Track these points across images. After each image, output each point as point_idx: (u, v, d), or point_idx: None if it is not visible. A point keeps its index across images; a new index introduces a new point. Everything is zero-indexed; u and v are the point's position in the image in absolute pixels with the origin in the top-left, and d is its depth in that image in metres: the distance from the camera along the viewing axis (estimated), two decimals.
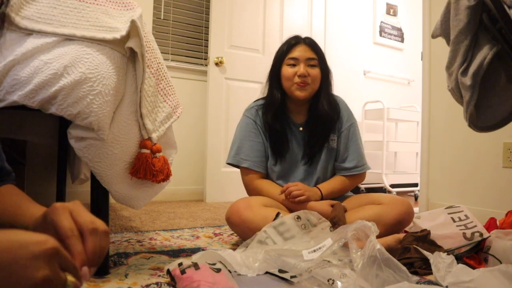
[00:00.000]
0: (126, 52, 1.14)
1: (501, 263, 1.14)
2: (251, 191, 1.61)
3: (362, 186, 3.52)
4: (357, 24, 3.86)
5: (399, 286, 0.88)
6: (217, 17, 2.92)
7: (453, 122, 2.21)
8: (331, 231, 1.21)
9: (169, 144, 1.35)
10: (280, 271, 1.00)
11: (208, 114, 2.91)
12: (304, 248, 1.13)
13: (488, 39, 0.99)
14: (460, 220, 1.36)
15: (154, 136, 1.20)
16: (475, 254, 1.25)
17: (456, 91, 1.07)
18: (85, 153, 1.08)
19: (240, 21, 3.02)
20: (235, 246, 1.48)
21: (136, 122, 1.15)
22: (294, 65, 1.58)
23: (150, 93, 1.18)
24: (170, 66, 2.93)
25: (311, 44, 1.62)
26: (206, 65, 2.98)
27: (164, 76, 1.28)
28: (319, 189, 1.56)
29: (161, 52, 1.37)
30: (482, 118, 1.08)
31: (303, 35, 1.65)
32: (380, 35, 4.00)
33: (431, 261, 1.07)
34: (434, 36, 1.18)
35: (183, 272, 0.91)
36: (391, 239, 1.31)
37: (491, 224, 1.47)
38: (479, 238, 1.25)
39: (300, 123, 1.66)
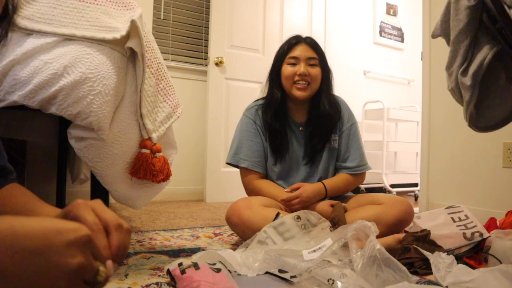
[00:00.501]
0: (126, 52, 1.14)
1: (501, 263, 1.14)
2: (251, 191, 1.61)
3: (362, 186, 3.52)
4: (357, 24, 3.86)
5: (399, 286, 0.88)
6: (217, 17, 2.92)
7: (453, 122, 2.21)
8: (331, 231, 1.21)
9: (169, 144, 1.35)
10: (280, 271, 1.00)
11: (208, 114, 2.91)
12: (304, 248, 1.13)
13: (488, 39, 0.99)
14: (460, 220, 1.36)
15: (154, 136, 1.20)
16: (475, 254, 1.25)
17: (456, 91, 1.07)
18: (85, 153, 1.08)
19: (240, 21, 3.02)
20: (235, 246, 1.48)
21: (136, 122, 1.15)
22: (294, 64, 1.58)
23: (150, 93, 1.18)
24: (170, 66, 2.93)
25: (311, 43, 1.62)
26: (206, 65, 2.99)
27: (164, 76, 1.28)
28: (323, 184, 1.56)
29: (161, 52, 1.37)
30: (482, 118, 1.08)
31: (303, 35, 1.65)
32: (380, 35, 4.00)
33: (431, 261, 1.07)
34: (434, 36, 1.18)
35: (183, 272, 0.91)
36: (391, 239, 1.31)
37: (491, 224, 1.47)
38: (479, 238, 1.25)
39: (301, 122, 1.66)
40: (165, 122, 1.28)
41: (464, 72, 1.02)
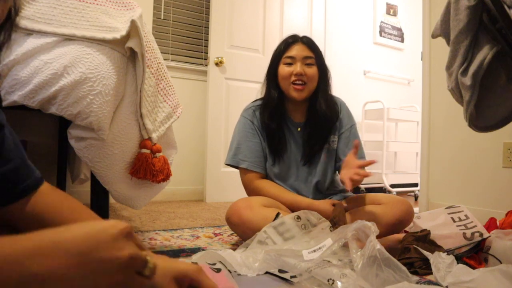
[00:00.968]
0: (126, 52, 1.14)
1: (501, 263, 1.14)
2: (251, 191, 1.61)
3: (362, 186, 3.52)
4: (357, 24, 3.86)
5: (399, 286, 0.88)
6: (217, 17, 2.92)
7: (453, 122, 2.21)
8: (331, 231, 1.21)
9: (169, 144, 1.35)
10: (280, 271, 1.00)
11: (208, 114, 2.91)
12: (304, 248, 1.13)
13: (488, 39, 0.99)
14: (460, 220, 1.36)
15: (154, 136, 1.20)
16: (475, 254, 1.25)
17: (456, 91, 1.08)
18: (85, 153, 1.08)
19: (240, 21, 3.02)
20: (235, 246, 1.48)
21: (136, 122, 1.15)
22: (291, 64, 1.57)
23: (150, 93, 1.18)
24: (170, 66, 2.93)
25: (308, 43, 1.61)
26: (206, 65, 2.99)
27: (164, 76, 1.28)
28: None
29: (161, 52, 1.37)
30: (482, 118, 1.08)
31: (301, 35, 1.65)
32: (380, 35, 4.00)
33: (431, 261, 1.07)
34: (434, 36, 1.18)
35: None
36: (391, 239, 1.31)
37: (491, 224, 1.47)
38: (479, 238, 1.25)
39: (299, 122, 1.65)
40: (165, 122, 1.28)
41: (464, 72, 1.02)
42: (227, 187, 2.88)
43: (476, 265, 1.18)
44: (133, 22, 1.10)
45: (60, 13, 1.07)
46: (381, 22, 4.02)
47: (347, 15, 3.77)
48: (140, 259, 0.40)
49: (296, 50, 1.58)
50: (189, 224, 1.95)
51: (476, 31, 1.00)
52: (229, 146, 1.71)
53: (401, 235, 1.31)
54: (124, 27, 1.11)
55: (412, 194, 3.69)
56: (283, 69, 1.58)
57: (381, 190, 3.50)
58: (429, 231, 1.28)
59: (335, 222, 1.32)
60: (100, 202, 1.18)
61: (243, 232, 1.41)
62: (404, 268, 0.96)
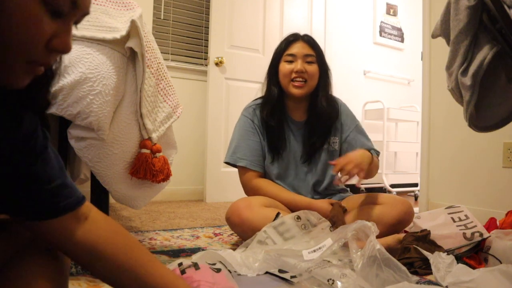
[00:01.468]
0: (126, 52, 1.14)
1: (501, 263, 1.14)
2: (249, 190, 1.61)
3: (362, 186, 3.52)
4: (357, 24, 3.86)
5: (399, 286, 0.88)
6: (217, 17, 2.92)
7: (453, 122, 2.21)
8: (331, 231, 1.21)
9: (169, 144, 1.35)
10: (280, 271, 1.00)
11: (208, 114, 2.91)
12: (304, 248, 1.13)
13: (488, 39, 0.99)
14: (460, 220, 1.36)
15: (154, 136, 1.20)
16: (475, 254, 1.25)
17: (456, 91, 1.07)
18: (85, 153, 1.08)
19: (240, 21, 3.02)
20: (235, 246, 1.48)
21: (136, 122, 1.15)
22: (291, 62, 1.58)
23: (150, 93, 1.18)
24: (170, 66, 2.93)
25: (309, 41, 1.62)
26: (206, 65, 2.98)
27: (164, 76, 1.28)
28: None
29: (161, 52, 1.37)
30: (482, 118, 1.08)
31: (302, 33, 1.65)
32: (380, 35, 4.00)
33: (431, 261, 1.07)
34: (434, 36, 1.18)
35: (183, 272, 0.91)
36: (391, 239, 1.31)
37: (491, 224, 1.47)
38: (479, 238, 1.25)
39: (300, 121, 1.65)
40: (165, 122, 1.28)
41: (464, 72, 1.02)
42: (227, 187, 2.88)
43: (476, 265, 1.18)
44: (133, 22, 1.11)
45: None
46: (381, 22, 4.01)
47: (347, 15, 3.77)
48: None
49: (297, 48, 1.59)
50: (189, 224, 1.95)
51: (476, 31, 1.00)
52: (228, 144, 1.71)
53: (401, 235, 1.31)
54: (124, 27, 1.11)
55: (412, 194, 3.69)
56: (284, 67, 1.59)
57: (381, 190, 3.50)
58: (429, 231, 1.28)
59: (334, 221, 1.32)
60: (100, 202, 1.18)
61: (243, 231, 1.41)
62: (404, 268, 0.96)
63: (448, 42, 1.09)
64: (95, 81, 1.03)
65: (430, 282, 1.06)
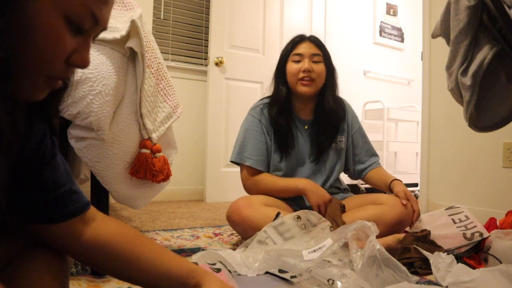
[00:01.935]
0: (126, 52, 1.14)
1: (501, 263, 1.14)
2: (250, 185, 1.61)
3: (362, 186, 3.52)
4: (357, 24, 3.86)
5: (399, 286, 0.88)
6: (217, 17, 2.92)
7: (453, 122, 2.21)
8: (331, 231, 1.21)
9: (169, 144, 1.35)
10: (280, 271, 1.00)
11: (208, 114, 2.91)
12: (304, 248, 1.13)
13: (488, 39, 0.99)
14: (461, 221, 1.36)
15: (154, 136, 1.20)
16: (475, 254, 1.25)
17: (456, 91, 1.07)
18: (85, 153, 1.08)
19: (240, 21, 3.02)
20: (235, 246, 1.48)
21: (136, 122, 1.15)
22: (299, 61, 1.59)
23: (150, 93, 1.18)
24: (170, 66, 2.93)
25: (315, 41, 1.64)
26: (206, 65, 2.98)
27: (164, 76, 1.28)
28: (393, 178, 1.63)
29: (161, 52, 1.37)
30: (482, 118, 1.08)
31: (307, 34, 1.68)
32: (380, 35, 4.00)
33: (431, 261, 1.07)
34: (434, 36, 1.18)
35: None
36: (391, 239, 1.31)
37: (491, 224, 1.47)
38: (479, 238, 1.25)
39: (307, 120, 1.66)
40: (165, 122, 1.28)
41: (464, 72, 1.02)
42: (227, 187, 2.88)
43: (476, 265, 1.18)
44: (133, 22, 1.10)
45: None
46: (381, 22, 4.01)
47: (347, 15, 3.77)
48: None
49: (304, 48, 1.60)
50: (189, 224, 1.95)
51: (476, 31, 1.00)
52: (229, 145, 1.71)
53: (401, 235, 1.31)
54: (124, 27, 1.11)
55: (412, 194, 3.68)
56: (291, 66, 1.60)
57: (381, 190, 3.49)
58: (429, 231, 1.28)
59: (331, 217, 1.33)
60: (100, 202, 1.18)
61: (243, 230, 1.41)
62: (404, 268, 0.96)
63: (448, 42, 1.09)
64: (95, 81, 1.03)
65: (430, 282, 1.06)
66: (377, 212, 1.42)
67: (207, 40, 2.99)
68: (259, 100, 1.72)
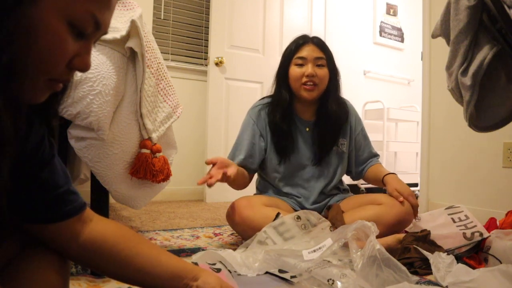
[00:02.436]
0: (126, 52, 1.14)
1: (501, 263, 1.14)
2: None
3: (362, 186, 3.52)
4: (357, 24, 3.86)
5: (399, 286, 0.88)
6: (217, 17, 2.92)
7: (453, 122, 2.21)
8: (331, 231, 1.21)
9: (169, 144, 1.35)
10: (280, 271, 1.00)
11: (208, 114, 2.91)
12: (304, 248, 1.13)
13: (488, 39, 0.99)
14: (460, 220, 1.36)
15: (154, 136, 1.20)
16: (475, 254, 1.25)
17: (456, 91, 1.07)
18: (85, 153, 1.08)
19: (240, 21, 3.02)
20: (235, 246, 1.48)
21: (136, 122, 1.15)
22: (302, 65, 1.56)
23: (150, 93, 1.18)
24: (170, 66, 2.93)
25: (319, 43, 1.61)
26: (206, 65, 2.98)
27: (164, 76, 1.28)
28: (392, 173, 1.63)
29: (161, 52, 1.37)
30: (482, 118, 1.08)
31: (311, 35, 1.64)
32: (380, 35, 4.00)
33: (431, 261, 1.07)
34: (434, 36, 1.18)
35: None
36: (391, 239, 1.31)
37: (491, 224, 1.47)
38: (479, 238, 1.25)
39: (308, 121, 1.65)
40: (165, 122, 1.28)
41: (464, 72, 1.02)
42: (227, 187, 2.86)
43: (476, 265, 1.18)
44: (133, 22, 1.10)
45: None
46: (381, 22, 4.01)
47: (347, 15, 3.77)
48: None
49: (307, 51, 1.57)
50: (189, 224, 1.95)
51: (476, 31, 1.00)
52: (229, 145, 1.72)
53: (401, 235, 1.31)
54: (124, 27, 1.11)
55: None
56: (294, 70, 1.57)
57: (381, 190, 3.49)
58: (429, 231, 1.28)
59: (333, 222, 1.32)
60: (100, 202, 1.18)
61: (243, 230, 1.41)
62: (404, 268, 0.96)
63: (448, 42, 1.09)
64: (95, 81, 1.03)
65: (430, 282, 1.06)
66: (377, 212, 1.42)
67: (207, 40, 2.99)
68: (259, 100, 1.71)
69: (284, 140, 1.60)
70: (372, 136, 3.82)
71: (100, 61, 1.06)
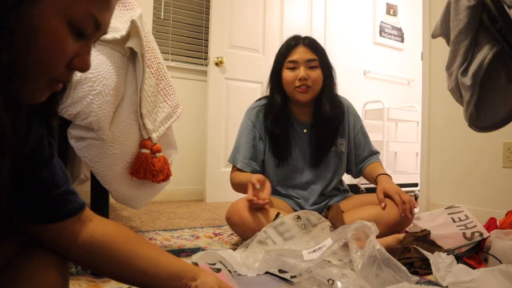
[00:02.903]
0: (126, 52, 1.14)
1: (501, 263, 1.14)
2: (232, 185, 1.62)
3: (362, 186, 3.52)
4: (357, 24, 3.86)
5: (399, 286, 0.88)
6: (217, 17, 2.92)
7: (453, 122, 2.21)
8: (331, 231, 1.21)
9: (169, 144, 1.35)
10: (280, 271, 1.00)
11: (208, 114, 2.91)
12: (304, 248, 1.13)
13: (488, 39, 0.99)
14: (460, 220, 1.36)
15: (154, 136, 1.20)
16: (475, 254, 1.25)
17: (456, 91, 1.07)
18: (85, 153, 1.08)
19: (240, 21, 3.02)
20: (235, 246, 1.48)
21: (136, 122, 1.15)
22: (294, 68, 1.55)
23: (150, 93, 1.18)
24: (170, 66, 2.93)
25: (310, 44, 1.58)
26: (206, 65, 2.98)
27: (164, 76, 1.28)
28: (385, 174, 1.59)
29: (161, 52, 1.37)
30: (482, 118, 1.08)
31: (303, 35, 1.62)
32: (380, 35, 4.00)
33: (431, 261, 1.07)
34: (434, 36, 1.18)
35: None
36: (391, 239, 1.31)
37: (491, 224, 1.47)
38: (479, 238, 1.25)
39: (306, 122, 1.64)
40: (165, 122, 1.28)
41: (464, 72, 1.02)
42: (227, 187, 2.85)
43: (476, 265, 1.18)
44: (133, 22, 1.10)
45: None
46: (381, 22, 4.01)
47: (347, 15, 3.77)
48: None
49: (299, 54, 1.55)
50: (189, 224, 1.95)
51: (476, 31, 1.00)
52: (229, 145, 1.71)
53: (401, 235, 1.31)
54: (124, 27, 1.11)
55: (412, 194, 3.68)
56: (287, 74, 1.56)
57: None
58: (429, 231, 1.28)
59: (333, 223, 1.32)
60: (100, 202, 1.18)
61: (243, 231, 1.41)
62: (404, 268, 0.96)
63: (448, 42, 1.09)
64: (95, 81, 1.03)
65: (430, 282, 1.06)
66: (377, 212, 1.41)
67: (207, 40, 2.99)
68: (257, 101, 1.70)
69: (280, 144, 1.59)
70: (372, 136, 3.81)
71: (100, 61, 1.06)
